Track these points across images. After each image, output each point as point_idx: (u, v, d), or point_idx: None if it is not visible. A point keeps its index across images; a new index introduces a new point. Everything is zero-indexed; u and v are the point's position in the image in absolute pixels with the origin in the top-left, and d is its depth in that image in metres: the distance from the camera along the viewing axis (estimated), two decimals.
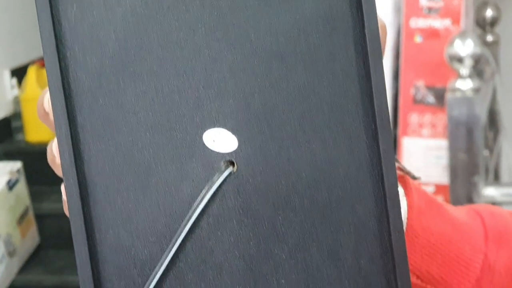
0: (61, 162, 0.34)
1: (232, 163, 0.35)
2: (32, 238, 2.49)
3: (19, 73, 2.78)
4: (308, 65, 0.34)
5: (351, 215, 0.35)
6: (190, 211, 0.34)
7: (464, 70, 1.40)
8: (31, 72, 2.67)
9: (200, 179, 0.35)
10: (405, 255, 0.34)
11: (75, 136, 0.35)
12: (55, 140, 0.37)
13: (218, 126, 0.34)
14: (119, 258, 0.35)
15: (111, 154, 0.35)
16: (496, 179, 1.56)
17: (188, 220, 0.34)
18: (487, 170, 1.48)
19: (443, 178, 1.44)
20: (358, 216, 0.35)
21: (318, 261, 0.35)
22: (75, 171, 0.34)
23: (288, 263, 0.35)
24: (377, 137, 0.34)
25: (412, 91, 1.49)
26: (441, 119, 1.50)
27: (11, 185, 2.41)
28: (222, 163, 0.35)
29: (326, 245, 0.35)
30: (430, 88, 1.48)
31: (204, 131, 0.35)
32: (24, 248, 2.43)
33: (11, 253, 2.33)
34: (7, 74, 2.77)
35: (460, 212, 0.49)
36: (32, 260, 2.45)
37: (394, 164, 0.34)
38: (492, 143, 1.60)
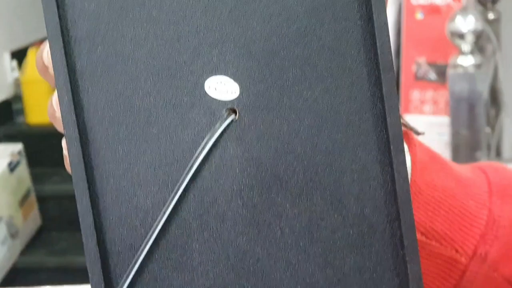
0: (60, 110, 0.34)
1: (233, 111, 0.34)
2: (34, 220, 2.49)
3: (19, 55, 2.77)
4: (309, 9, 0.34)
5: (354, 162, 0.34)
6: (192, 160, 0.34)
7: (466, 46, 1.39)
8: (31, 54, 2.66)
9: (201, 127, 0.34)
10: (410, 202, 0.34)
11: (74, 84, 0.34)
12: (55, 94, 0.36)
13: (219, 73, 0.34)
14: (121, 207, 0.34)
15: (111, 102, 0.34)
16: (498, 155, 1.56)
17: (190, 169, 0.34)
18: (489, 147, 1.47)
19: (445, 154, 1.44)
20: (361, 163, 0.34)
21: (322, 209, 0.35)
22: (75, 119, 0.34)
23: (291, 211, 0.35)
24: (380, 81, 0.33)
25: (413, 68, 1.48)
26: (443, 95, 1.49)
27: (12, 167, 2.41)
28: (223, 111, 0.34)
29: (329, 193, 0.35)
30: (431, 64, 1.48)
31: (206, 78, 0.34)
32: (26, 230, 2.43)
33: (13, 235, 2.33)
34: (7, 56, 2.76)
35: (464, 169, 0.48)
36: (35, 242, 2.45)
37: (398, 109, 0.33)
38: (494, 120, 1.60)
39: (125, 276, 0.34)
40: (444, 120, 1.47)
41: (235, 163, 0.34)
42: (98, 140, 0.34)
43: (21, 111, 2.79)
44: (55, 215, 2.50)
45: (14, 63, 2.79)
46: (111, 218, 0.34)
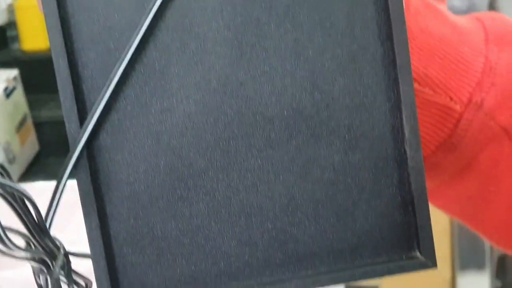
0: None
1: None
2: (31, 145, 2.48)
3: None
4: None
5: None
6: None
7: None
8: None
9: None
10: (403, 20, 0.32)
11: None
12: None
13: None
14: (93, 26, 0.32)
15: None
16: None
17: None
18: None
19: None
20: None
21: (309, 28, 0.32)
22: None
23: (276, 31, 0.32)
24: None
25: None
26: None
27: (8, 93, 2.39)
28: None
29: (317, 11, 0.32)
30: None
31: None
32: (24, 155, 2.42)
33: (10, 161, 2.32)
34: None
35: (459, 18, 0.46)
36: (33, 167, 2.44)
37: None
38: None
39: (98, 99, 0.32)
40: None
41: None
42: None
43: (16, 38, 2.75)
44: (53, 141, 2.49)
45: None
46: (82, 38, 0.32)
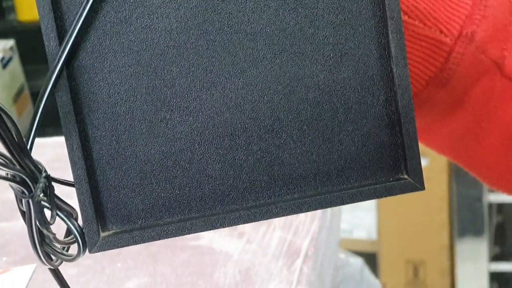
0: None
1: None
2: (28, 116, 2.47)
3: None
4: None
5: None
6: None
7: None
8: None
9: None
10: None
11: None
12: None
13: None
14: None
15: None
16: None
17: None
18: None
19: None
20: None
21: None
22: None
23: None
24: None
25: None
26: None
27: (4, 63, 2.38)
28: None
29: None
30: None
31: None
32: (21, 126, 2.41)
33: None
34: None
35: None
36: None
37: None
38: None
39: (77, 17, 0.31)
40: None
41: None
42: None
43: (12, 8, 2.74)
44: (49, 111, 2.48)
45: None
46: None
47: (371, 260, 1.74)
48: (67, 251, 0.34)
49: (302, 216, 0.69)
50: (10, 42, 2.44)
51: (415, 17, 0.42)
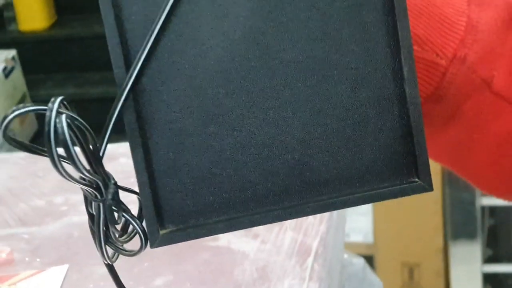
0: None
1: None
2: (30, 124, 2.52)
3: None
4: None
5: None
6: None
7: None
8: None
9: None
10: None
11: None
12: None
13: None
14: None
15: None
16: None
17: None
18: None
19: None
20: None
21: None
22: None
23: None
24: None
25: None
26: None
27: (7, 73, 2.42)
28: None
29: None
30: None
31: None
32: (23, 135, 2.46)
33: None
34: None
35: None
36: None
37: None
38: None
39: (142, 48, 0.37)
40: None
41: None
42: None
43: (13, 19, 2.78)
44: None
45: None
46: None
47: (367, 262, 1.78)
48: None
49: (311, 218, 0.75)
50: (12, 52, 2.48)
51: (414, 43, 0.48)
